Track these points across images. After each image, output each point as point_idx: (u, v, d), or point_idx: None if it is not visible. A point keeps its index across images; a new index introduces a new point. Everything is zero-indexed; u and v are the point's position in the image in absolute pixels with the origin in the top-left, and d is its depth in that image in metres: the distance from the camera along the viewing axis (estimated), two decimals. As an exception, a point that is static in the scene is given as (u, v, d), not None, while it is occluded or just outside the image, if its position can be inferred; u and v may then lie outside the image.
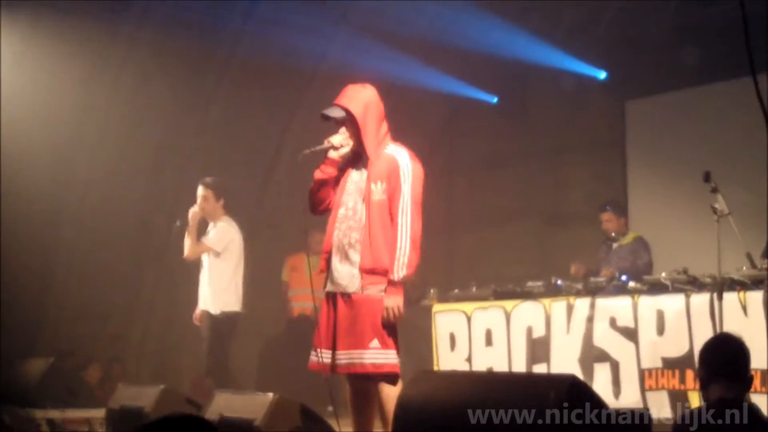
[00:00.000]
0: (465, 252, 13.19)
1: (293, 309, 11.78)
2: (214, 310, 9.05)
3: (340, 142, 5.96)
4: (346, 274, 5.87)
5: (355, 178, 5.98)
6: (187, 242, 9.07)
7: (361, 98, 5.94)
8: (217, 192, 9.16)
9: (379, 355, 5.74)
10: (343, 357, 5.80)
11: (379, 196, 5.83)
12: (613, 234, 9.93)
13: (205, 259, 9.17)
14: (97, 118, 11.53)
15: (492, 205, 12.94)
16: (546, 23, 11.96)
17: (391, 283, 5.78)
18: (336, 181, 6.08)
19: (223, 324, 9.09)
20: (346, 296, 5.85)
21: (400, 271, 5.75)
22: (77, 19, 10.59)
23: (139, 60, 11.30)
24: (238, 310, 9.18)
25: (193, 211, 9.04)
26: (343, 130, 5.98)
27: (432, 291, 10.26)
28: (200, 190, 9.11)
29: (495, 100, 13.08)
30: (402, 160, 5.86)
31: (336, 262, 5.92)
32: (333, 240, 5.97)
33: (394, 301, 5.77)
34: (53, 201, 11.44)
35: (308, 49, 11.59)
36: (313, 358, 5.97)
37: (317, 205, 6.09)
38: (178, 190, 11.84)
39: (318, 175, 6.04)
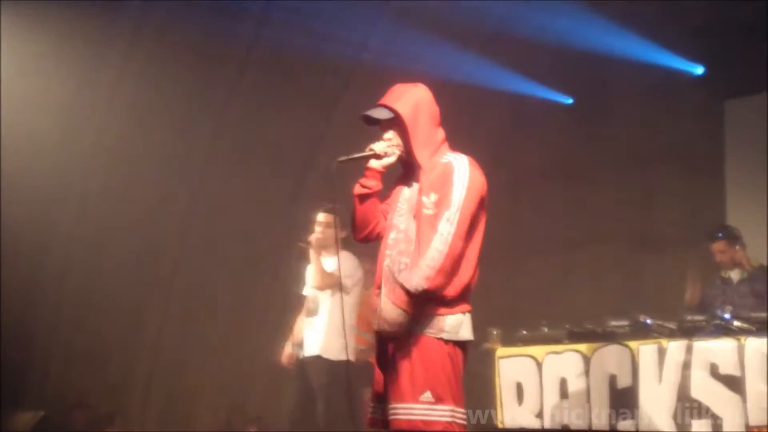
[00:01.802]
0: (533, 283, 13.14)
1: None
2: (334, 356, 9.08)
3: (384, 149, 5.82)
4: (395, 309, 5.67)
5: (407, 195, 5.86)
6: (315, 271, 9.15)
7: (410, 97, 5.81)
8: (340, 221, 9.16)
9: (431, 411, 5.55)
10: (392, 410, 5.66)
11: (430, 210, 5.65)
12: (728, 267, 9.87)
13: (324, 294, 9.27)
14: (95, 123, 11.58)
15: (565, 226, 12.97)
16: (630, 7, 11.86)
17: (403, 290, 5.56)
18: (383, 199, 5.96)
19: (338, 373, 9.06)
20: (397, 337, 5.69)
21: (418, 281, 5.51)
22: (74, 5, 10.66)
23: (145, 51, 11.35)
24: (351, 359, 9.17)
25: (316, 237, 9.17)
26: (388, 135, 5.85)
27: (494, 332, 10.17)
28: (321, 217, 9.24)
29: (570, 100, 13.12)
30: (458, 165, 5.71)
31: (385, 295, 5.76)
32: (383, 270, 5.83)
33: (392, 312, 5.58)
34: (44, 220, 11.45)
35: (345, 39, 11.61)
36: (370, 411, 5.88)
37: (360, 229, 5.96)
38: (190, 206, 11.82)
39: (358, 190, 5.88)
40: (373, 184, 5.86)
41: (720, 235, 9.92)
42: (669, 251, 11.31)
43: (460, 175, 5.65)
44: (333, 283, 9.10)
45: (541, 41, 11.92)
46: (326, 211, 9.20)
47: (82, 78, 11.20)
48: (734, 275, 9.85)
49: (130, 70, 11.32)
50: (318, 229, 9.18)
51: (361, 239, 6.01)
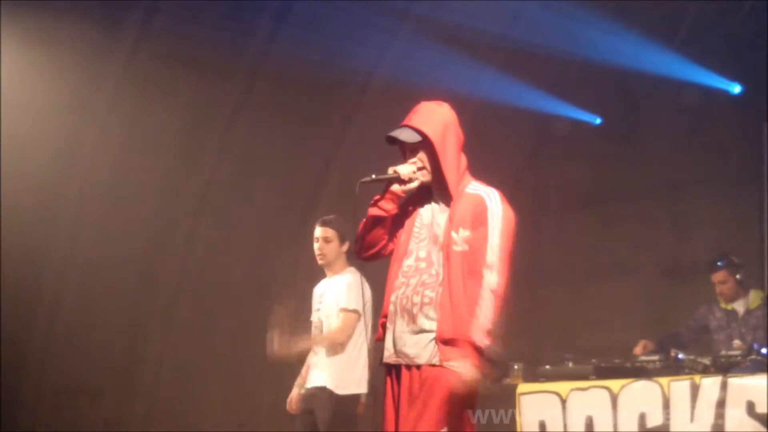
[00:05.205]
0: (557, 315, 13.13)
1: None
2: (339, 390, 8.73)
3: (409, 174, 5.81)
4: (415, 343, 5.69)
5: (425, 220, 5.89)
6: (282, 334, 8.67)
7: (439, 119, 5.82)
8: (341, 233, 8.93)
9: (447, 454, 5.56)
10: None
11: (461, 247, 5.69)
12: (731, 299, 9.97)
13: (329, 319, 8.89)
14: (91, 142, 11.51)
15: (591, 254, 12.89)
16: (662, 22, 11.94)
17: (473, 347, 5.55)
18: (394, 221, 5.95)
19: (346, 408, 8.77)
20: (415, 368, 5.67)
21: (482, 338, 5.52)
22: (69, 12, 10.61)
23: (144, 66, 11.26)
24: (364, 392, 8.88)
25: (317, 255, 8.83)
26: (414, 159, 5.83)
27: (516, 367, 10.13)
28: (319, 231, 8.85)
29: (598, 120, 13.07)
30: (492, 203, 5.75)
31: (402, 326, 5.75)
32: (396, 297, 5.82)
33: (471, 373, 5.52)
34: (36, 244, 11.38)
35: (359, 55, 11.58)
36: None
37: (367, 248, 5.98)
38: (192, 230, 11.79)
39: (374, 211, 5.87)
40: (390, 207, 5.87)
41: (720, 264, 9.99)
42: (702, 281, 11.06)
43: (495, 215, 5.69)
44: (305, 347, 8.80)
45: (567, 56, 11.96)
46: (323, 224, 8.85)
47: (77, 95, 11.11)
48: (738, 307, 9.93)
49: (127, 87, 11.22)
50: (316, 245, 8.82)
51: (367, 258, 6.04)
